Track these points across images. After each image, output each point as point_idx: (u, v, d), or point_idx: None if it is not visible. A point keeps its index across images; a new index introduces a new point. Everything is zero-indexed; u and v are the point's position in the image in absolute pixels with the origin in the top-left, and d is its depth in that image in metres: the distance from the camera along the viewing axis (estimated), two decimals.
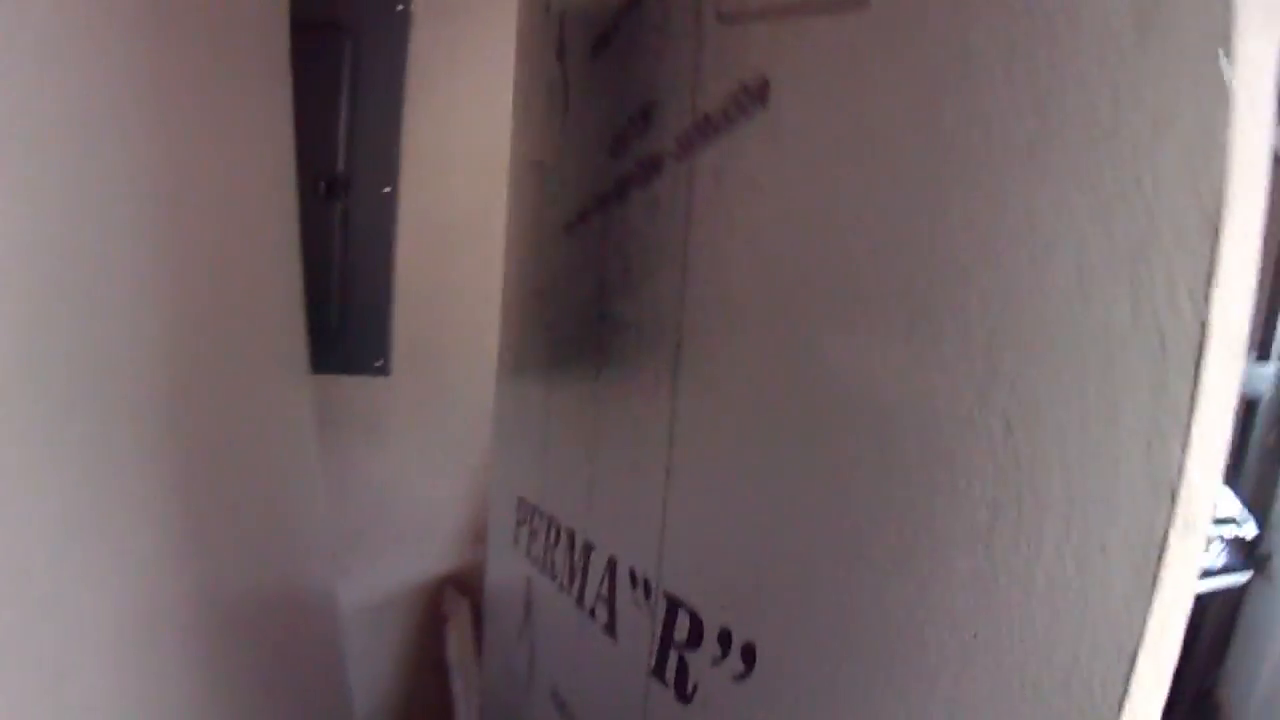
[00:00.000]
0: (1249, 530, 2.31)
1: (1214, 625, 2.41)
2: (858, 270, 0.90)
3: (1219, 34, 0.56)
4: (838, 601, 0.92)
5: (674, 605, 1.26)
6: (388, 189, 2.99)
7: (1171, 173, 0.59)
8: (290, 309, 2.48)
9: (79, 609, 1.54)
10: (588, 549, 1.61)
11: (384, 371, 3.12)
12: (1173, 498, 0.59)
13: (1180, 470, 0.59)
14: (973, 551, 0.74)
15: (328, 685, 2.76)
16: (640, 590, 1.37)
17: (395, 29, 2.91)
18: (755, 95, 1.08)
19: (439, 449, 3.23)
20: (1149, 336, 0.61)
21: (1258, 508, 2.38)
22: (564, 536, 1.75)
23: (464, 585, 3.30)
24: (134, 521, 1.72)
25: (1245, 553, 2.36)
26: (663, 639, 1.28)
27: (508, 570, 2.24)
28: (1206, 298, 0.57)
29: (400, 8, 2.89)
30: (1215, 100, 0.57)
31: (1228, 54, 0.56)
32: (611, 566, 1.49)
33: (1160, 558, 0.60)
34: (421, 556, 3.29)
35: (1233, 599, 2.38)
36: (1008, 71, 0.70)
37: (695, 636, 1.20)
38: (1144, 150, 0.60)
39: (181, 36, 1.84)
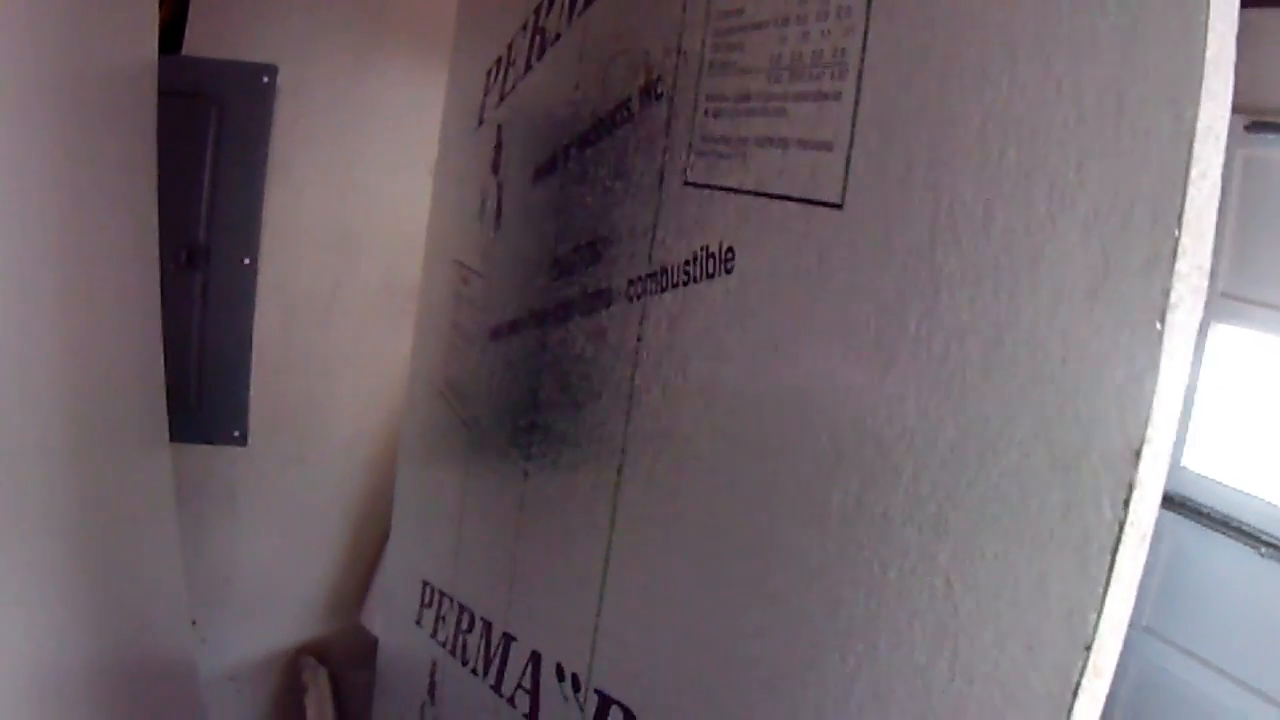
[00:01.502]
0: None
1: None
2: (813, 434, 1.06)
3: (1156, 309, 0.74)
4: (782, 714, 1.07)
5: (606, 701, 1.39)
6: (248, 260, 3.01)
7: (1104, 409, 0.77)
8: (150, 378, 2.49)
9: None
10: (507, 640, 1.72)
11: (241, 441, 3.13)
12: (1087, 651, 0.77)
13: (1094, 633, 0.76)
14: (910, 681, 0.91)
15: None
16: (568, 684, 1.49)
17: (260, 100, 2.94)
18: (720, 260, 1.24)
19: (294, 519, 3.25)
20: (1075, 531, 0.78)
21: None
22: (479, 625, 1.85)
23: (321, 654, 3.33)
24: None
25: None
26: None
27: (408, 650, 2.32)
28: (1126, 506, 0.75)
29: (265, 80, 2.93)
30: (1147, 355, 0.75)
31: (1160, 326, 0.74)
32: (535, 658, 1.61)
33: (1075, 697, 0.77)
34: (278, 625, 3.29)
35: None
36: (971, 299, 0.88)
37: None
38: (1085, 389, 0.78)
39: (50, 108, 1.90)
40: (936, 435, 0.91)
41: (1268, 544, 2.05)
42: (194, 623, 2.98)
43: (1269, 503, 2.15)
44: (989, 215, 0.87)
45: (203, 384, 3.05)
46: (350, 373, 3.19)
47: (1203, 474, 2.41)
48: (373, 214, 3.10)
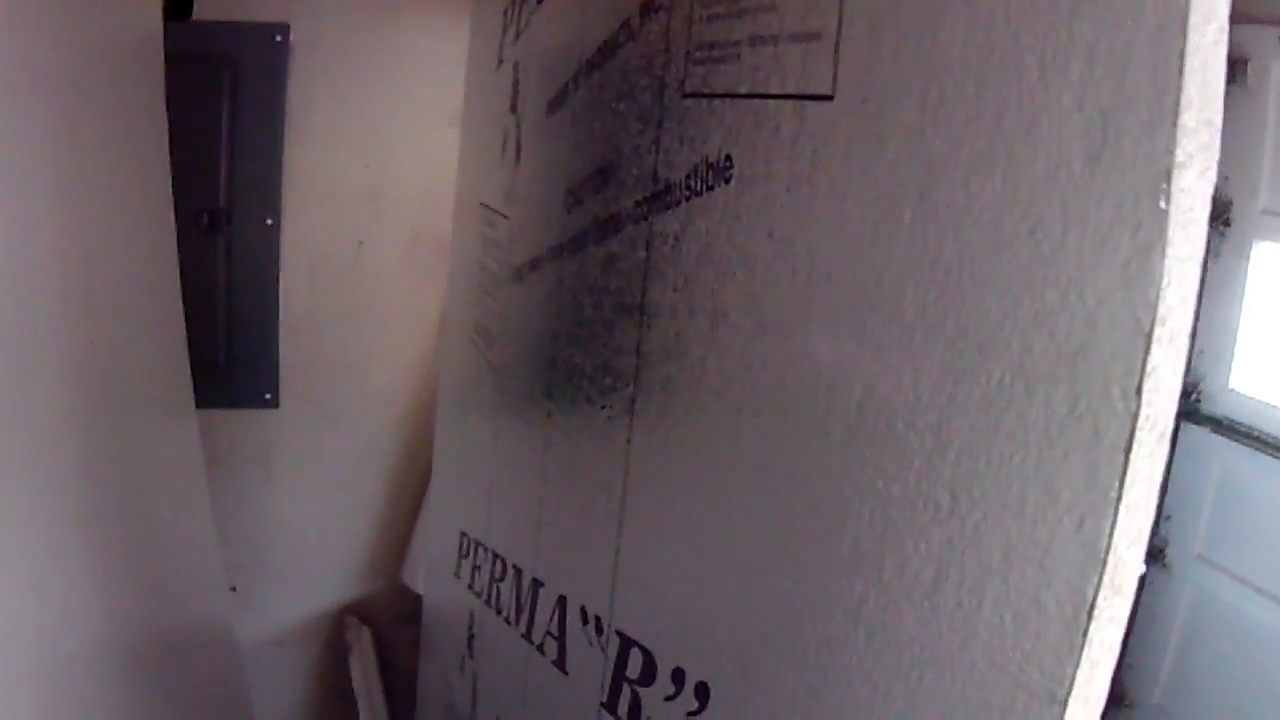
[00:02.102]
0: None
1: None
2: (813, 343, 0.99)
3: (1160, 171, 0.66)
4: (790, 647, 1.00)
5: (627, 643, 1.33)
6: (270, 220, 2.98)
7: (1110, 288, 0.68)
8: (172, 345, 2.47)
9: None
10: (535, 585, 1.67)
11: (273, 404, 3.11)
12: (1102, 566, 0.69)
13: (1109, 543, 0.68)
14: (919, 605, 0.84)
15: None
16: (591, 627, 1.44)
17: (274, 61, 2.88)
18: (719, 170, 1.16)
19: (331, 479, 3.23)
20: (1084, 427, 0.70)
21: None
22: (510, 572, 1.81)
23: (364, 614, 3.32)
24: (26, 571, 1.73)
25: None
26: (615, 675, 1.36)
27: (448, 603, 2.29)
28: (1138, 395, 0.67)
29: (278, 39, 2.88)
30: (1153, 228, 0.66)
31: (1167, 188, 0.65)
32: (561, 603, 1.56)
33: (1090, 617, 0.69)
34: (320, 588, 3.29)
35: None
36: (965, 182, 0.80)
37: (648, 674, 1.27)
38: (1087, 266, 0.70)
39: (52, 80, 1.86)
40: (936, 333, 0.83)
41: None
42: (234, 589, 2.98)
43: None
44: (980, 90, 0.79)
45: (231, 348, 3.02)
46: (379, 329, 3.14)
47: (1252, 396, 2.29)
48: (394, 167, 3.05)
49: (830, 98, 0.97)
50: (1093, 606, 0.69)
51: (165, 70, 2.31)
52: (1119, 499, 0.68)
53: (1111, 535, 0.68)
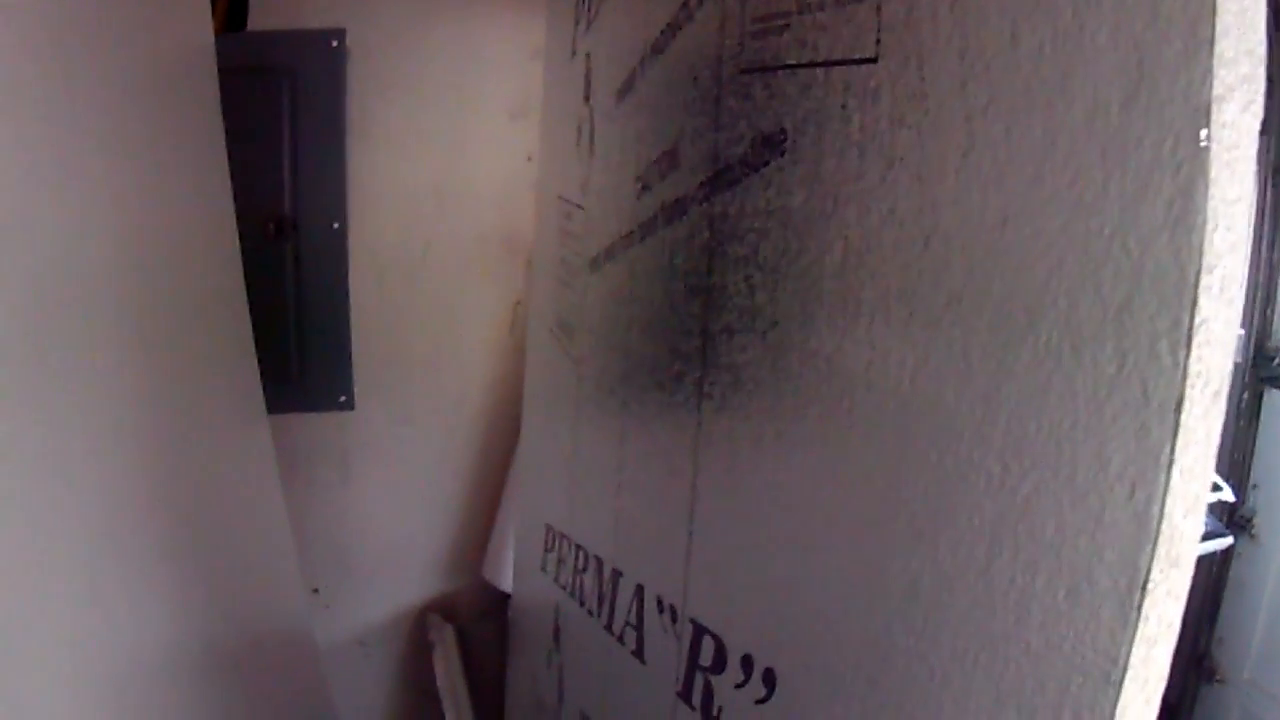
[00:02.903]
0: (1229, 494, 2.34)
1: (1203, 589, 2.43)
2: (866, 314, 0.95)
3: (1200, 105, 0.61)
4: (851, 630, 0.97)
5: (700, 631, 1.31)
6: (336, 225, 3.00)
7: (1153, 234, 0.64)
8: (241, 353, 2.49)
9: (54, 666, 1.58)
10: (615, 576, 1.66)
11: (348, 406, 3.13)
12: (1155, 537, 0.64)
13: (1162, 511, 0.64)
14: (973, 584, 0.79)
15: None
16: (667, 616, 1.42)
17: (331, 66, 2.89)
18: (774, 145, 1.13)
19: (408, 479, 3.24)
20: (1132, 386, 0.65)
21: (1235, 470, 2.41)
22: (592, 563, 1.80)
23: (447, 611, 3.34)
24: (105, 578, 1.76)
25: (1228, 516, 2.39)
26: (689, 663, 1.33)
27: (535, 596, 2.29)
28: (1187, 349, 0.62)
29: (335, 44, 2.90)
30: (1194, 166, 0.62)
31: (1207, 124, 0.61)
32: (639, 593, 1.54)
33: (1144, 591, 0.65)
34: (401, 586, 3.30)
35: (1219, 562, 2.41)
36: (1006, 134, 0.75)
37: (719, 661, 1.24)
38: (1129, 213, 0.65)
39: (108, 97, 1.89)
40: (984, 296, 0.79)
41: None
42: (316, 590, 3.02)
43: None
44: (1015, 36, 0.74)
45: (304, 353, 3.05)
46: (451, 327, 3.15)
47: None
48: (457, 165, 3.04)
49: (875, 60, 0.93)
50: (1147, 580, 0.65)
51: (224, 81, 2.34)
52: (1171, 463, 0.63)
53: (1164, 503, 0.64)
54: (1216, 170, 0.60)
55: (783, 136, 1.11)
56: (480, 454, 3.23)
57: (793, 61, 1.08)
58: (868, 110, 0.94)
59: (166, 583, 2.01)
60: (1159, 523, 0.64)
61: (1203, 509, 0.66)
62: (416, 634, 3.32)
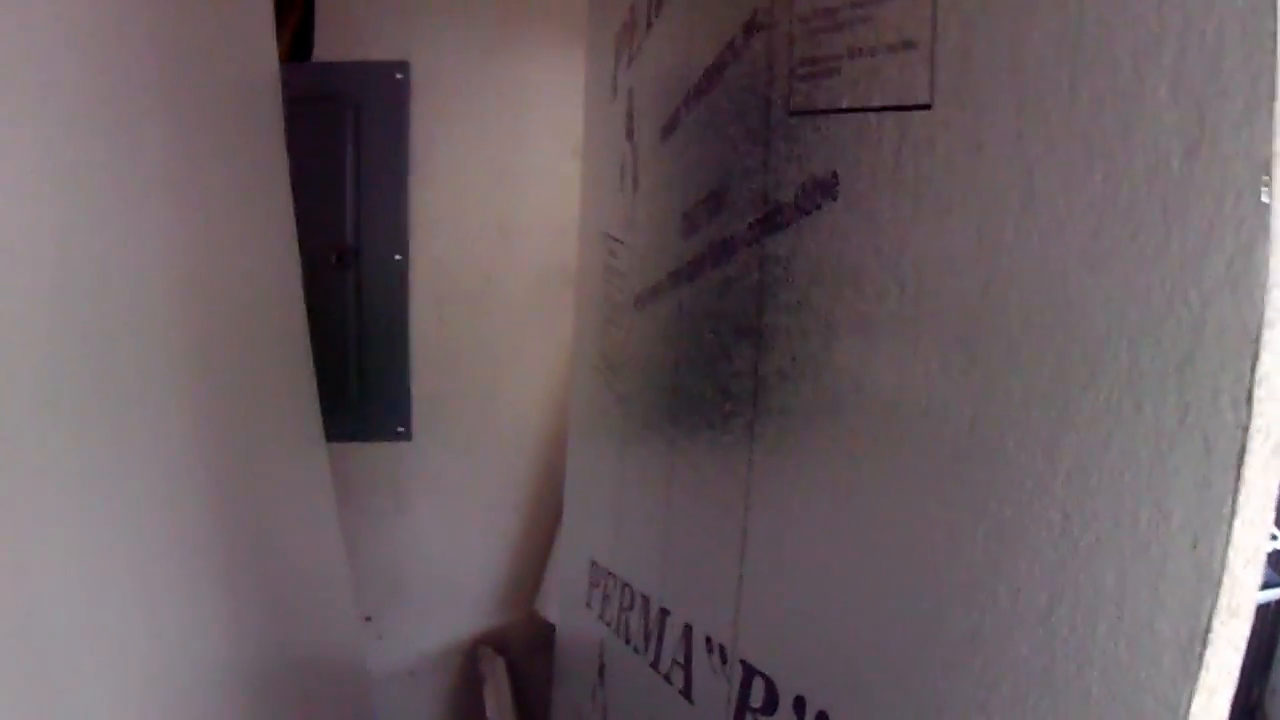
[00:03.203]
0: None
1: (1258, 639, 2.39)
2: (923, 362, 0.96)
3: (1261, 161, 0.62)
4: (909, 676, 0.97)
5: (750, 672, 1.31)
6: (398, 256, 3.04)
7: (1215, 290, 0.64)
8: (301, 380, 2.52)
9: (109, 685, 1.60)
10: (663, 614, 1.66)
11: (405, 437, 3.16)
12: (1217, 587, 0.64)
13: (1224, 562, 0.64)
14: (1034, 631, 0.80)
15: None
16: (716, 656, 1.42)
17: (396, 98, 2.98)
18: (825, 188, 1.14)
19: (464, 510, 3.27)
20: (1194, 439, 0.66)
21: None
22: (639, 601, 1.80)
23: (498, 645, 3.35)
24: (161, 600, 1.79)
25: None
26: (739, 704, 1.33)
27: (580, 632, 2.30)
28: (1248, 404, 0.62)
29: (399, 76, 2.94)
30: (1256, 222, 0.62)
31: (1269, 180, 0.61)
32: (688, 632, 1.54)
33: (1205, 642, 0.65)
34: (454, 618, 3.32)
35: (1275, 610, 2.36)
36: (1065, 186, 0.76)
37: (770, 703, 1.25)
38: (1190, 268, 0.66)
39: (173, 126, 1.93)
40: (1044, 347, 0.79)
41: None
42: (369, 619, 3.04)
43: None
44: (1074, 88, 0.75)
45: (363, 382, 3.09)
46: (510, 361, 3.18)
47: None
48: (519, 200, 3.09)
49: (929, 106, 0.94)
50: (1208, 630, 0.65)
51: (289, 111, 2.39)
52: (1233, 515, 0.64)
53: (1226, 554, 0.64)
54: (1277, 226, 0.61)
55: (834, 181, 1.12)
56: (537, 487, 3.25)
57: (844, 105, 1.09)
58: (922, 157, 0.95)
59: (222, 605, 2.04)
60: (1221, 574, 0.64)
61: (1262, 559, 0.66)
62: (468, 666, 3.33)
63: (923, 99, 0.94)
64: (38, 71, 1.46)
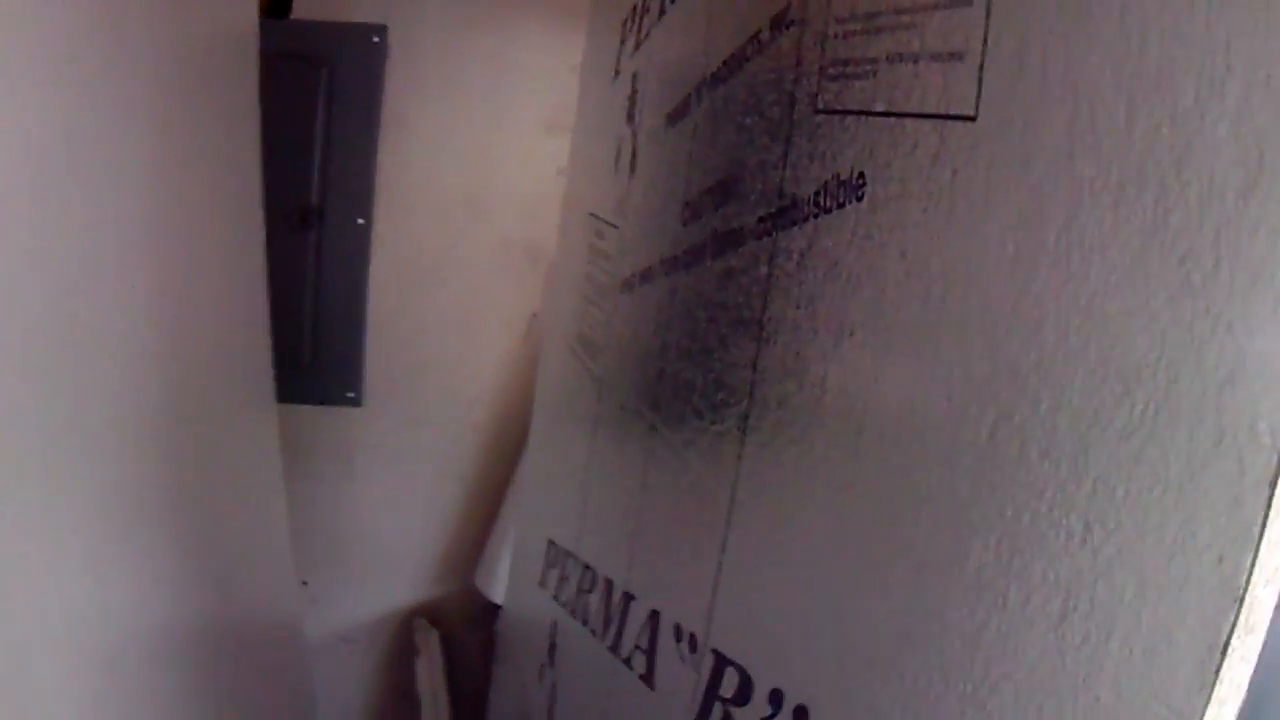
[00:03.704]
0: None
1: None
2: (945, 365, 0.98)
3: None
4: (899, 673, 0.99)
5: (723, 662, 1.33)
6: (361, 220, 3.01)
7: (1261, 322, 0.67)
8: (256, 339, 2.50)
9: (48, 640, 1.59)
10: (627, 599, 1.68)
11: (355, 402, 3.14)
12: (1239, 604, 0.67)
13: (1248, 581, 0.67)
14: (1043, 636, 0.82)
15: (296, 718, 2.79)
16: (685, 644, 1.44)
17: (371, 61, 2.96)
18: (850, 187, 1.16)
19: (409, 480, 3.26)
20: (1229, 461, 0.69)
21: None
22: (601, 584, 1.82)
23: (434, 616, 3.34)
24: (96, 554, 1.77)
25: None
26: (707, 693, 1.35)
27: (530, 610, 2.31)
28: None
29: (376, 40, 2.92)
30: None
31: None
32: (654, 618, 1.56)
33: (1223, 656, 0.68)
34: (391, 587, 3.32)
35: None
36: (1114, 205, 0.79)
37: (744, 694, 1.27)
38: (1238, 298, 0.68)
39: (146, 74, 1.91)
40: (1078, 361, 0.82)
41: None
42: (306, 583, 3.02)
43: None
44: (1131, 114, 0.78)
45: (317, 345, 3.07)
46: (465, 333, 3.18)
47: None
48: (487, 172, 3.08)
49: (973, 118, 0.96)
50: (1227, 645, 0.68)
51: (263, 67, 2.37)
52: (1261, 536, 0.66)
53: (1251, 572, 0.67)
54: None
55: (861, 182, 1.14)
56: (483, 462, 3.25)
57: (880, 109, 1.11)
58: (962, 167, 0.97)
59: (162, 561, 2.02)
60: (1244, 591, 0.67)
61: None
62: (402, 636, 3.33)
63: (968, 111, 0.96)
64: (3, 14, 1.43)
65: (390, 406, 3.18)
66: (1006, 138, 0.91)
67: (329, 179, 3.01)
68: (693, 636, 1.42)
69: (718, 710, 1.32)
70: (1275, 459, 0.66)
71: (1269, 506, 0.66)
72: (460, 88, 3.05)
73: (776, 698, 1.20)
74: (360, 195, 3.02)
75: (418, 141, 3.02)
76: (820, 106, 1.24)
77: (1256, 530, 0.67)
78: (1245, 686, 0.70)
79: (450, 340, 3.18)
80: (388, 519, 3.27)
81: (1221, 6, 0.70)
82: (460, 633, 3.30)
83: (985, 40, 0.94)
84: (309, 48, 2.93)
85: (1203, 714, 0.69)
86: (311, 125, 2.97)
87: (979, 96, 0.95)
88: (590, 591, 1.87)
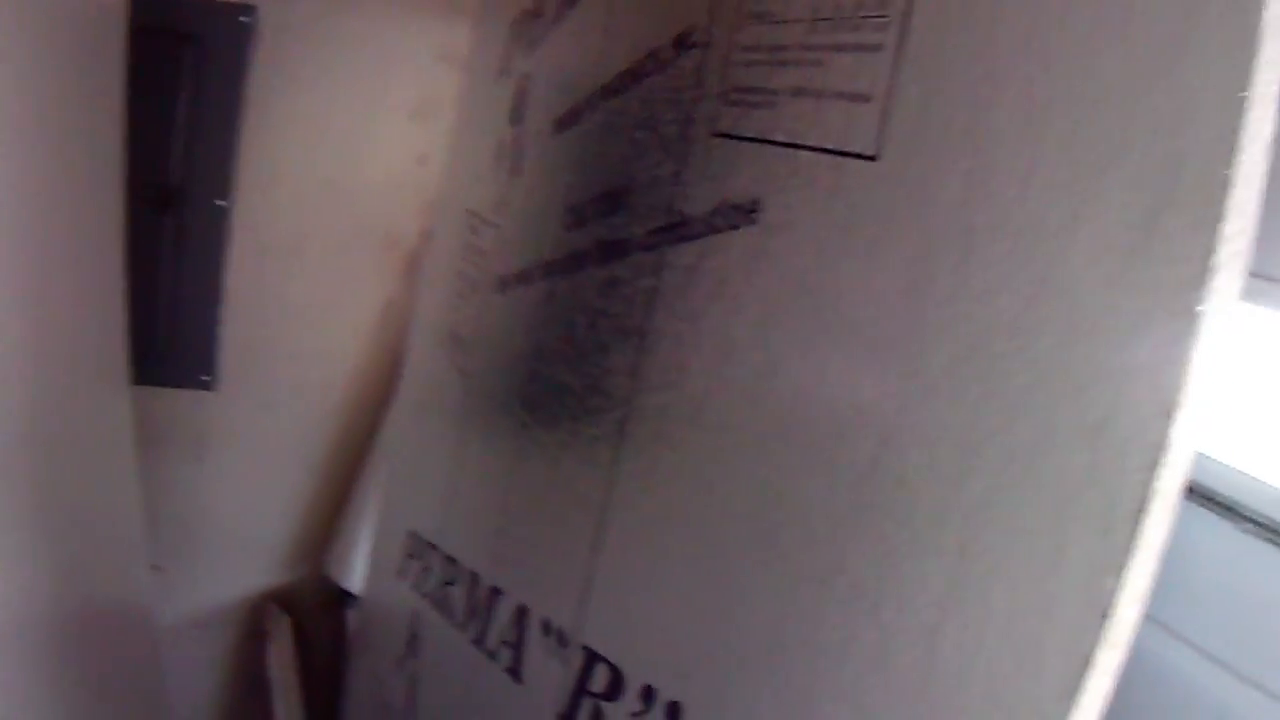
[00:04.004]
0: None
1: None
2: (830, 388, 1.04)
3: (1200, 272, 0.72)
4: (773, 674, 1.05)
5: (593, 658, 1.37)
6: (221, 201, 2.96)
7: (1138, 371, 0.75)
8: (111, 317, 2.44)
9: None
10: (494, 593, 1.70)
11: (209, 386, 3.09)
12: (1104, 621, 0.75)
13: (1113, 601, 0.74)
14: (916, 646, 0.89)
15: (145, 704, 2.72)
16: (554, 640, 1.48)
17: (238, 40, 2.84)
18: (744, 211, 1.21)
19: (261, 465, 3.21)
20: (1100, 494, 0.76)
21: None
22: (465, 577, 1.83)
23: (285, 602, 3.31)
24: None
25: None
26: (577, 687, 1.39)
27: (389, 600, 2.31)
28: (1155, 471, 0.73)
29: (244, 19, 2.87)
30: (1186, 322, 0.72)
31: (1203, 289, 0.72)
32: (521, 613, 1.59)
33: (1088, 667, 0.75)
34: (242, 572, 3.26)
35: None
36: (1008, 254, 0.86)
37: (615, 689, 1.31)
38: (1118, 350, 0.76)
39: (8, 41, 1.87)
40: (962, 393, 0.89)
41: (1248, 519, 2.01)
42: (157, 567, 2.95)
43: (1254, 478, 2.11)
44: (1030, 170, 0.85)
45: (172, 326, 2.99)
46: (322, 319, 3.14)
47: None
48: (350, 159, 3.04)
49: (874, 159, 1.02)
50: (1091, 658, 0.75)
51: (128, 42, 2.31)
52: (1126, 563, 0.74)
53: (1116, 595, 0.74)
54: (1204, 326, 0.71)
55: (755, 207, 1.20)
56: (335, 449, 3.22)
57: (781, 139, 1.17)
58: (859, 203, 1.04)
59: (7, 546, 1.96)
60: (1109, 610, 0.74)
61: (1144, 600, 0.77)
62: (253, 622, 3.27)
63: (869, 150, 1.03)
64: None
65: (243, 390, 3.11)
66: (905, 180, 0.98)
67: (190, 159, 2.92)
68: (562, 632, 1.46)
69: (587, 705, 1.36)
70: (1143, 495, 0.73)
71: (1135, 537, 0.74)
72: (327, 71, 3.00)
73: (649, 694, 1.24)
74: (221, 177, 2.94)
75: (281, 124, 2.96)
76: (718, 130, 1.29)
77: (1124, 557, 0.74)
78: (1106, 697, 0.78)
79: (305, 326, 3.14)
80: (239, 504, 3.20)
81: (1125, 80, 0.78)
82: (312, 619, 3.26)
83: (891, 85, 1.01)
84: (176, 23, 2.84)
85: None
86: (175, 104, 2.87)
87: (881, 138, 1.01)
88: (454, 584, 1.88)
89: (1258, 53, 0.71)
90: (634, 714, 1.26)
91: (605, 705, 1.33)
